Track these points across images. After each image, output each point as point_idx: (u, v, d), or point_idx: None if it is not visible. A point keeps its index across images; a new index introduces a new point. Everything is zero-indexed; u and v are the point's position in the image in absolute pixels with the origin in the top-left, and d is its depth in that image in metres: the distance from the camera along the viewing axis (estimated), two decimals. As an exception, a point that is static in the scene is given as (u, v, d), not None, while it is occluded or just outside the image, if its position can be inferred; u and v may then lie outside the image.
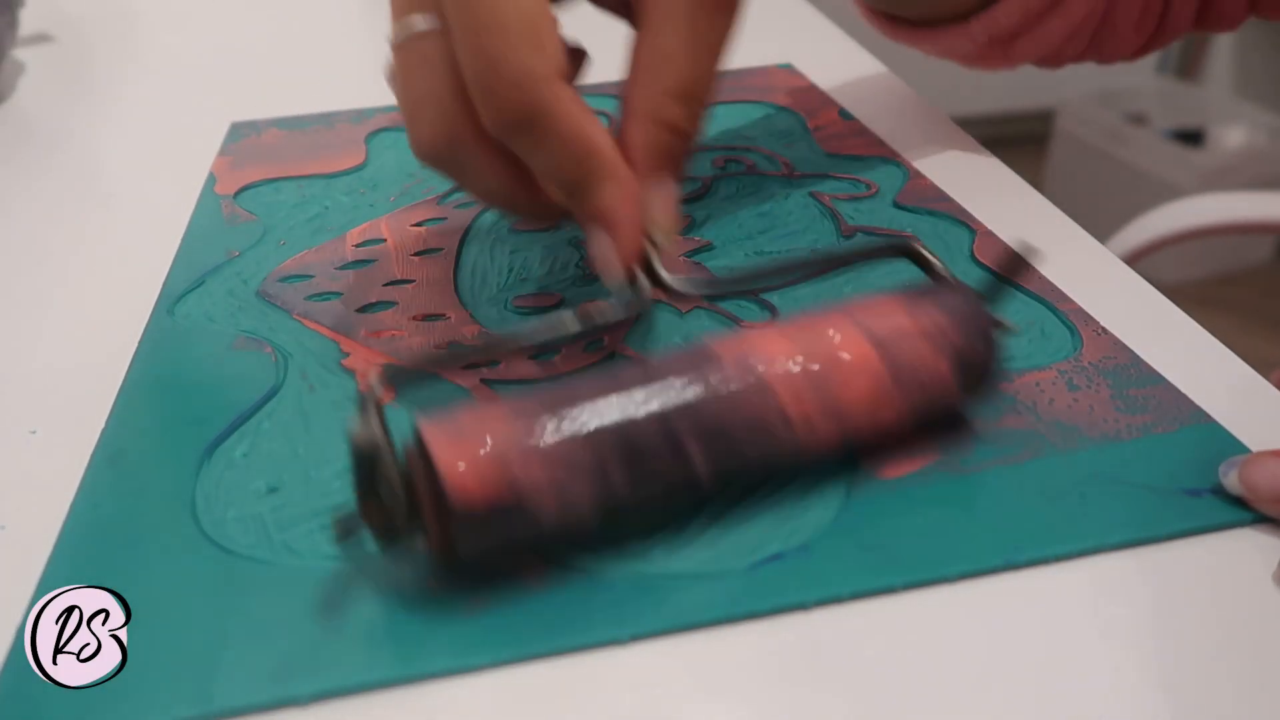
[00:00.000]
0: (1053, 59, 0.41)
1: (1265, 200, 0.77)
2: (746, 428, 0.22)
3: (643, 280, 0.26)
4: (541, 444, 0.20)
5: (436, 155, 0.27)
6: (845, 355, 0.23)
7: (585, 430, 0.21)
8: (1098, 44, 0.41)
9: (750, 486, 0.24)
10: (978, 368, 0.24)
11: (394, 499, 0.20)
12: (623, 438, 0.21)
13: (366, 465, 0.20)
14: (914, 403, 0.23)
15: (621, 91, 0.27)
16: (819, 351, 0.23)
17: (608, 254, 0.26)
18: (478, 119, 0.25)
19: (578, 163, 0.25)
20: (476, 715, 0.20)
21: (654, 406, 0.21)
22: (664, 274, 0.26)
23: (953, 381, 0.24)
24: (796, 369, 0.22)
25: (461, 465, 0.20)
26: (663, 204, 0.27)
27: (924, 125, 0.45)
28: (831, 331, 0.23)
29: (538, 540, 0.21)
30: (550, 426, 0.21)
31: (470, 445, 0.20)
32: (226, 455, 0.26)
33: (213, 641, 0.21)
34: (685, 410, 0.21)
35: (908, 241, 0.27)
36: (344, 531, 0.21)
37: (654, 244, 0.27)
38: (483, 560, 0.22)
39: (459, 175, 0.28)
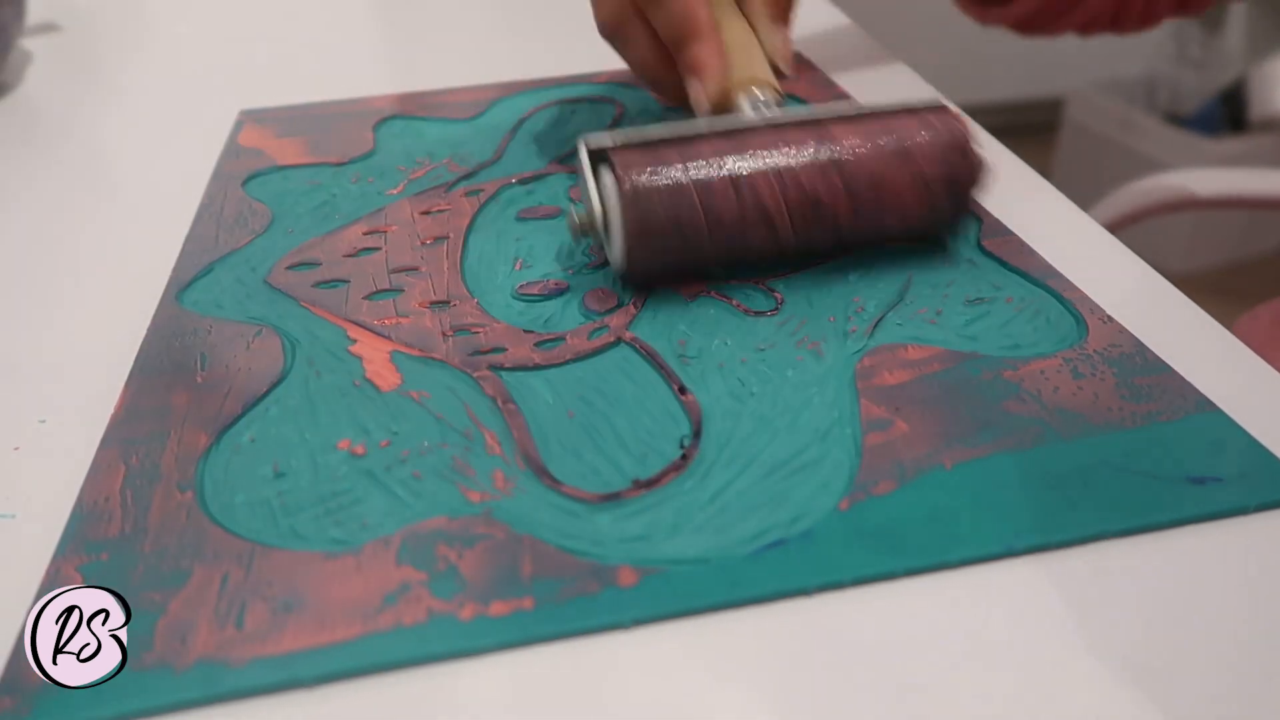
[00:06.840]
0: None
1: (1238, 176, 0.76)
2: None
3: (752, 103, 0.35)
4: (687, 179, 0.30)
5: (610, 31, 0.38)
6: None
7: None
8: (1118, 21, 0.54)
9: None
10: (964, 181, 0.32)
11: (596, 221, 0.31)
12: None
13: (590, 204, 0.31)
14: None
15: None
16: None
17: (698, 97, 0.35)
18: (636, 3, 0.36)
19: (679, 24, 0.35)
20: (480, 698, 0.20)
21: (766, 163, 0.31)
22: (761, 107, 0.34)
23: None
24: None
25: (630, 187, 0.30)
26: (783, 42, 0.38)
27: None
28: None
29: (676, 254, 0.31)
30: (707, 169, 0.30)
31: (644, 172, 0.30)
32: (234, 440, 0.26)
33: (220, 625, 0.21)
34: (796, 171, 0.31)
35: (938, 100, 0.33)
36: (577, 230, 0.32)
37: (779, 74, 0.37)
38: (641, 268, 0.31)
39: (623, 48, 0.38)
